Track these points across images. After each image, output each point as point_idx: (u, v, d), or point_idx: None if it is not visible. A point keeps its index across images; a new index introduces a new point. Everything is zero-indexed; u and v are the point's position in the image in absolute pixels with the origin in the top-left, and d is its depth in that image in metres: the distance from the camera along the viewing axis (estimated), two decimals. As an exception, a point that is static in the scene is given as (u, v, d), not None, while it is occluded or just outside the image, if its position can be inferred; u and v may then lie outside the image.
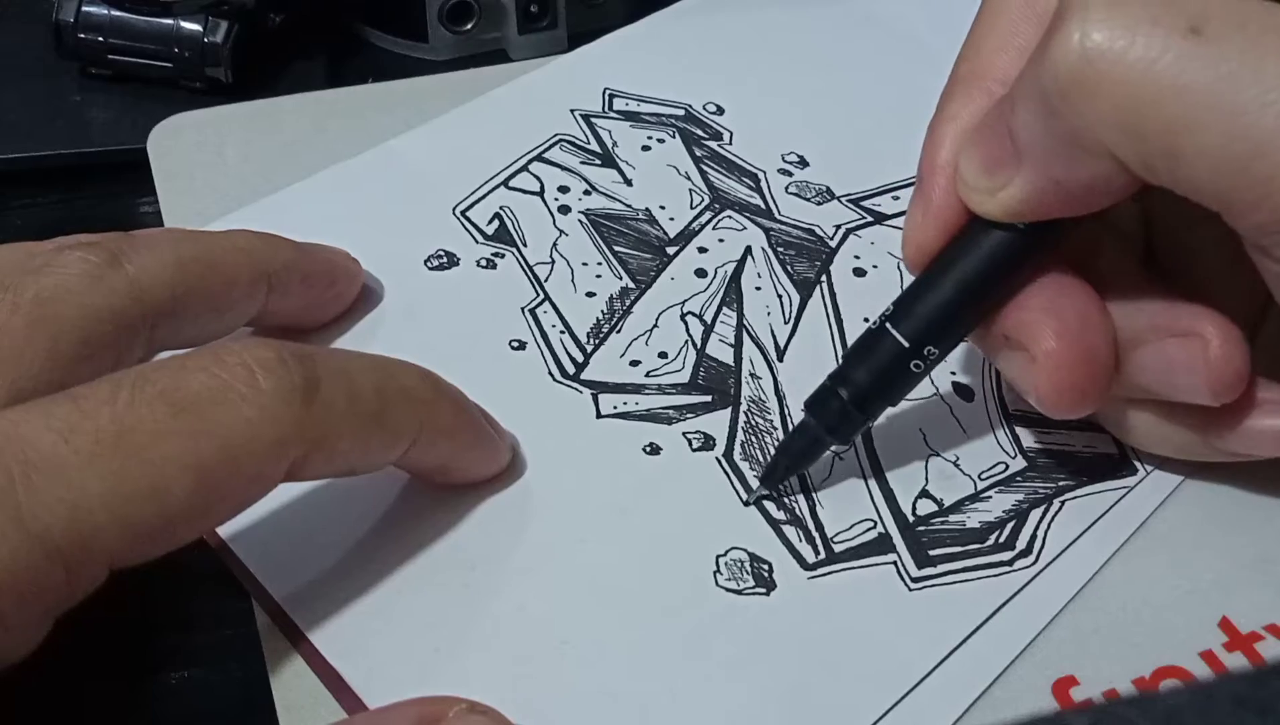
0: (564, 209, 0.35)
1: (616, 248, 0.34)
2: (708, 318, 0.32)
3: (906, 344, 0.26)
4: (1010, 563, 0.26)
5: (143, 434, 0.20)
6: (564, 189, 0.36)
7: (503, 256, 0.34)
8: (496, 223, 0.35)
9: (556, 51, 0.44)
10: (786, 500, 0.28)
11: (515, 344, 0.31)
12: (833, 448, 0.28)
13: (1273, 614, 0.26)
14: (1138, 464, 0.29)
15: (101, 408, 0.20)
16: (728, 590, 0.26)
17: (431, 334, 0.31)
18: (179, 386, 0.21)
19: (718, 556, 0.26)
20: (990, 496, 0.28)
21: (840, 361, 0.27)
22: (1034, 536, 0.27)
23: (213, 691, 0.26)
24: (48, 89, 0.42)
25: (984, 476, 0.28)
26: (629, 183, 0.36)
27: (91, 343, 0.24)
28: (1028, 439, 0.29)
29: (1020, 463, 0.29)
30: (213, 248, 0.27)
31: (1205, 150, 0.21)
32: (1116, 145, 0.22)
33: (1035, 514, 0.27)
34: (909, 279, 0.32)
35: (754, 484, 0.28)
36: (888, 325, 0.26)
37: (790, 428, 0.29)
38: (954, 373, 0.31)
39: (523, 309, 0.32)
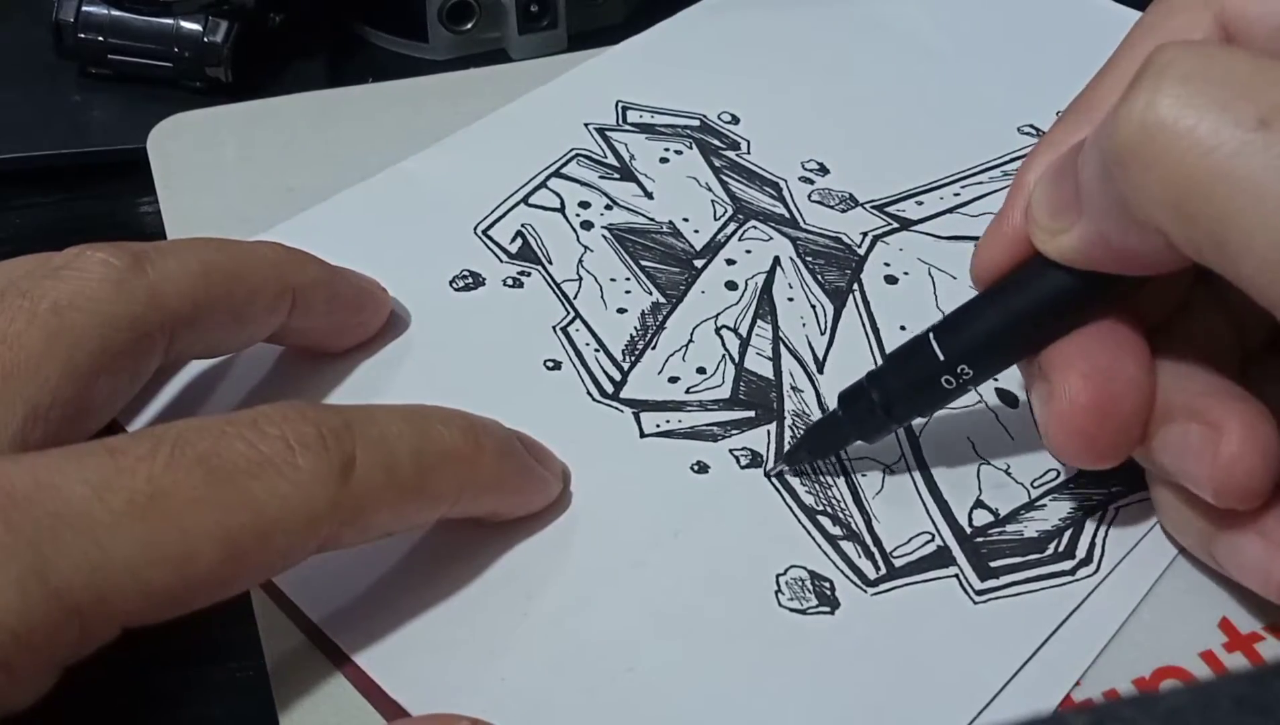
0: (586, 225, 0.35)
1: (643, 262, 0.34)
2: (743, 331, 0.32)
3: (942, 358, 0.25)
4: (1073, 571, 0.26)
5: (177, 500, 0.20)
6: (585, 204, 0.36)
7: (529, 275, 0.33)
8: (519, 241, 0.34)
9: (556, 51, 0.44)
10: (841, 515, 0.27)
11: (550, 364, 0.31)
12: (859, 443, 0.27)
13: (1273, 614, 0.26)
14: None
15: (139, 466, 0.20)
16: (792, 611, 0.25)
17: (464, 357, 0.31)
18: (217, 453, 0.21)
19: (778, 576, 0.26)
20: (1045, 504, 0.27)
21: (882, 360, 0.27)
22: (1093, 544, 0.27)
23: (213, 692, 0.25)
24: (48, 89, 0.42)
25: (1036, 484, 0.28)
26: (649, 196, 0.36)
27: (109, 353, 0.24)
28: None
29: (1071, 469, 0.28)
30: (239, 257, 0.27)
31: (1253, 248, 0.19)
32: (1163, 223, 0.21)
33: (1091, 522, 0.27)
34: (942, 285, 0.32)
35: (803, 496, 0.28)
36: (931, 336, 0.26)
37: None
38: (996, 379, 0.30)
39: (554, 327, 0.32)
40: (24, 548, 0.18)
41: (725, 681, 0.24)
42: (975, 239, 0.26)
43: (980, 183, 0.36)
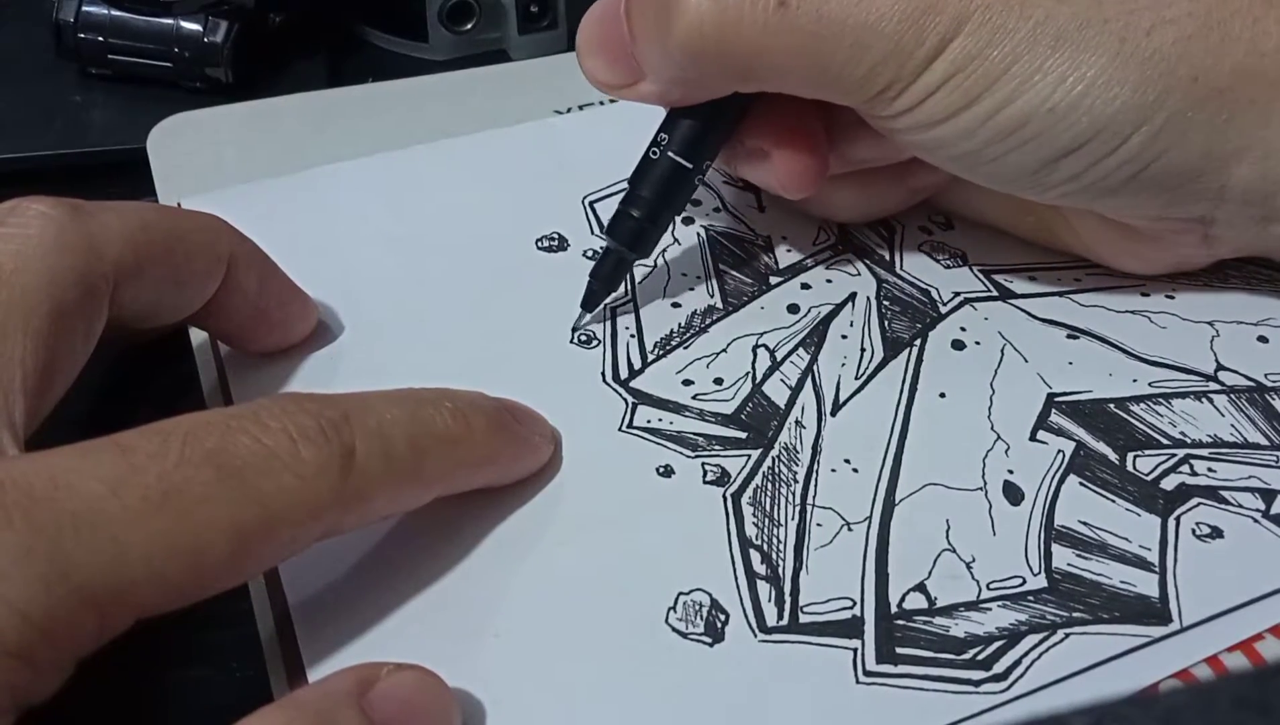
0: (688, 220, 0.35)
1: (721, 266, 0.33)
2: (779, 354, 0.31)
3: (681, 160, 0.30)
4: (977, 684, 0.24)
5: (189, 496, 0.20)
6: (696, 202, 0.35)
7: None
8: None
9: (556, 51, 0.45)
10: (775, 555, 0.26)
11: (583, 337, 0.31)
12: (636, 262, 0.31)
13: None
14: (1175, 616, 0.25)
15: (150, 463, 0.20)
16: (673, 630, 0.25)
17: (512, 312, 0.32)
18: (224, 449, 0.21)
19: (680, 593, 0.25)
20: (990, 609, 0.25)
21: (626, 193, 0.30)
22: (1018, 663, 0.24)
23: (213, 691, 0.26)
24: (48, 89, 0.42)
25: (992, 586, 0.26)
26: (762, 209, 0.35)
27: (62, 313, 0.24)
28: (1061, 559, 0.26)
29: (1040, 582, 0.26)
30: (178, 218, 0.28)
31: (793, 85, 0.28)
32: (726, 85, 0.28)
33: (1030, 639, 0.25)
34: (1009, 363, 0.30)
35: (747, 526, 0.27)
36: (657, 150, 0.30)
37: (815, 484, 0.28)
38: (1011, 472, 0.28)
39: (605, 305, 0.32)
40: (47, 545, 0.19)
41: (575, 674, 0.24)
42: (1072, 328, 0.29)
43: (1100, 274, 0.33)
